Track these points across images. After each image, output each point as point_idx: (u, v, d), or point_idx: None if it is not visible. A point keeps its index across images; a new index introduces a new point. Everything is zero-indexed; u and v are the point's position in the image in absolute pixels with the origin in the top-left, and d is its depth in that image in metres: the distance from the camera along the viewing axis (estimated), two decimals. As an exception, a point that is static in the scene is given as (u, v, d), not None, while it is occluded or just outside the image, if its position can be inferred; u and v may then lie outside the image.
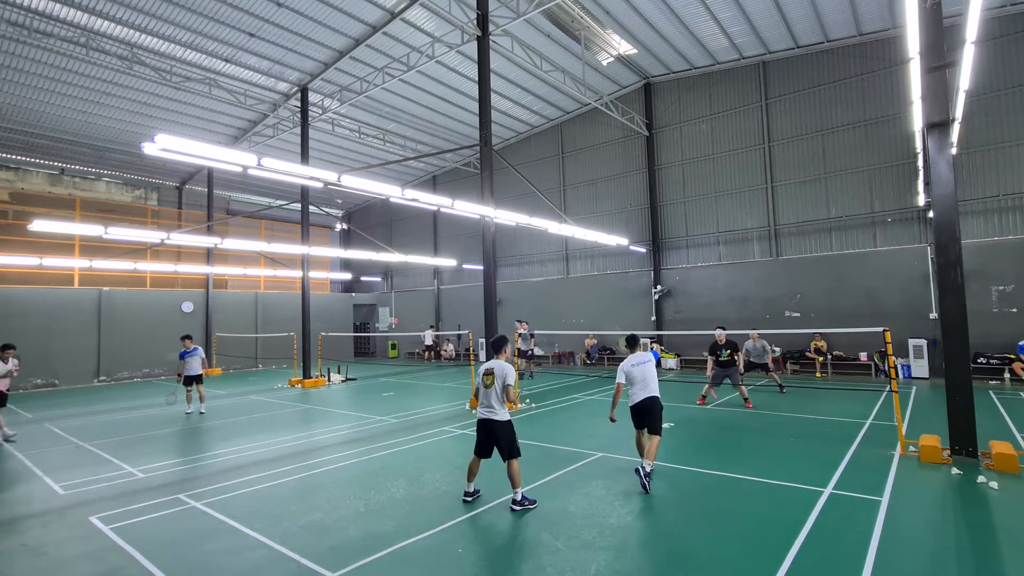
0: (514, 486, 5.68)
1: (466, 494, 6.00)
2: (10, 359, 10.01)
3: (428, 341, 25.38)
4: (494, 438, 5.81)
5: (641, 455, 6.51)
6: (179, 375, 12.66)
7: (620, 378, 6.59)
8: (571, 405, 12.21)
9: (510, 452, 5.72)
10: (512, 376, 5.88)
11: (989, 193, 14.45)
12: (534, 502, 5.73)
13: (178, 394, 12.78)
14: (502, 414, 5.80)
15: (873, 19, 15.20)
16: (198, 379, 12.64)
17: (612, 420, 6.72)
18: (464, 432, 9.61)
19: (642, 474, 6.08)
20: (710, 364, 11.34)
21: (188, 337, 12.99)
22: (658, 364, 6.42)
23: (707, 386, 11.54)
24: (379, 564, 4.53)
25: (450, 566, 4.47)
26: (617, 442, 8.30)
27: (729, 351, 11.02)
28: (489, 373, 5.90)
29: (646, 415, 6.48)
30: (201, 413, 12.52)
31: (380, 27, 15.14)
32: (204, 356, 12.95)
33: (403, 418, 11.09)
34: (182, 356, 12.65)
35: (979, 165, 14.60)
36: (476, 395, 6.10)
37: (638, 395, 6.50)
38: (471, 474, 6.02)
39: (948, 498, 5.73)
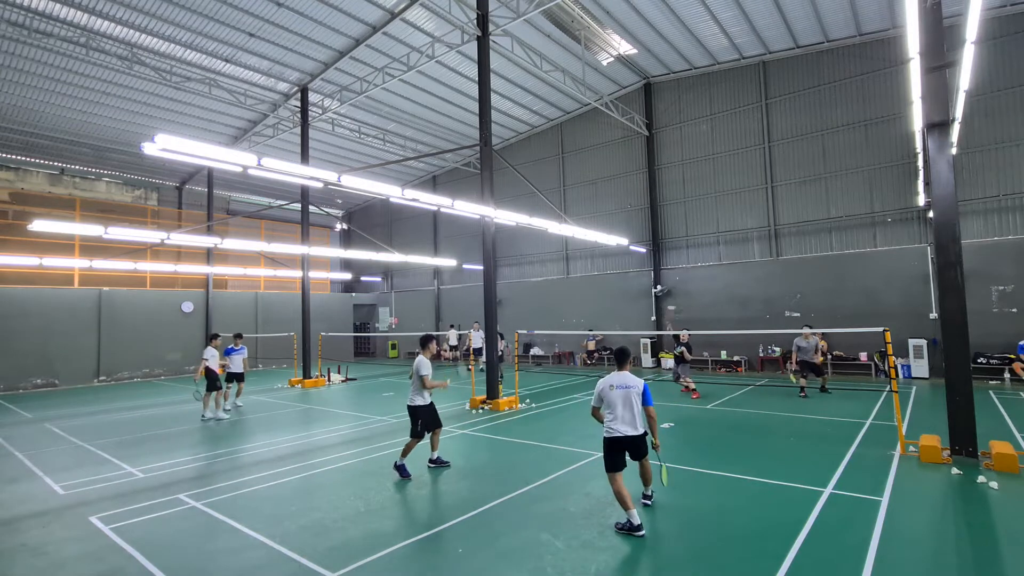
0: (402, 454, 7.12)
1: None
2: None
3: (453, 341, 24.84)
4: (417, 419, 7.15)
5: (627, 506, 4.96)
6: (222, 369, 12.90)
7: (596, 401, 5.36)
8: (571, 405, 12.21)
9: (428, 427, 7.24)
10: (427, 368, 7.06)
11: (989, 193, 14.45)
12: (408, 476, 6.90)
13: (231, 390, 13.18)
14: (418, 401, 7.15)
15: (873, 19, 15.20)
16: (239, 377, 13.11)
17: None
18: (464, 432, 9.61)
19: (648, 498, 5.70)
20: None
21: (239, 336, 13.54)
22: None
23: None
24: (379, 564, 4.53)
25: (450, 566, 4.47)
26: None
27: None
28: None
29: (633, 450, 5.25)
30: (238, 406, 13.08)
31: (380, 27, 15.14)
32: (246, 356, 13.47)
33: (403, 418, 11.07)
34: (227, 352, 12.97)
35: (979, 165, 14.59)
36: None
37: (621, 428, 5.15)
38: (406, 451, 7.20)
39: (948, 498, 5.74)
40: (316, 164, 22.04)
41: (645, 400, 5.33)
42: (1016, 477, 6.22)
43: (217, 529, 5.41)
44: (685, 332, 13.40)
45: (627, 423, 5.17)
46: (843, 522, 5.08)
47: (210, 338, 12.44)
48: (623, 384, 5.28)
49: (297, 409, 12.95)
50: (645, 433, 5.30)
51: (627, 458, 5.23)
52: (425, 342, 7.38)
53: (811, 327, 12.94)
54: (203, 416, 11.80)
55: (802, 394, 12.29)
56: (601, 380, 5.39)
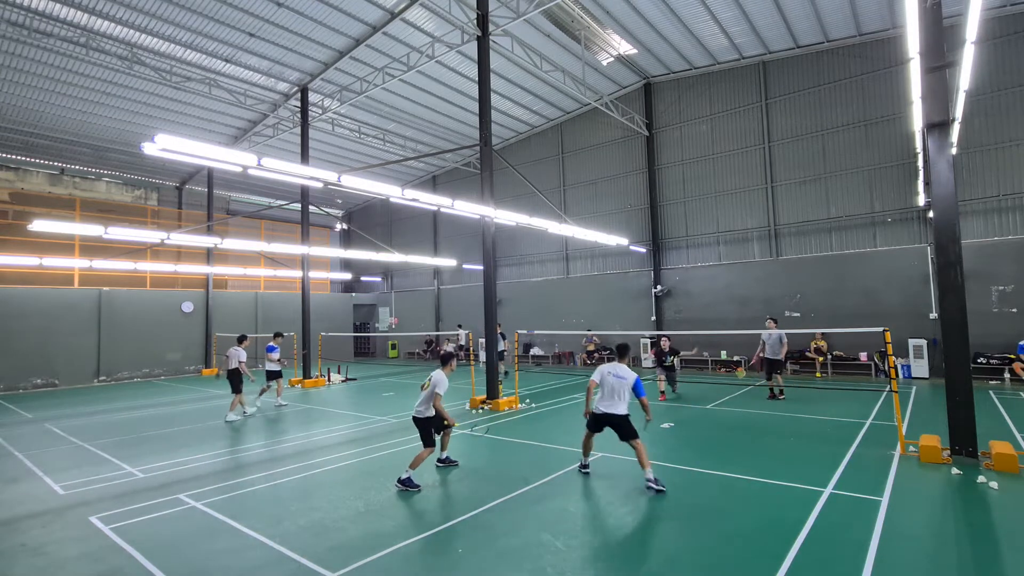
0: (410, 465, 6.62)
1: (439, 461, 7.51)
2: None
3: (463, 341, 24.94)
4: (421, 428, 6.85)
5: (586, 455, 6.84)
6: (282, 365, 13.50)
7: (596, 377, 6.53)
8: (571, 405, 12.21)
9: (423, 441, 6.82)
10: (443, 387, 6.73)
11: (989, 193, 14.45)
12: (418, 487, 6.44)
13: (272, 385, 13.65)
14: (427, 413, 6.79)
15: (873, 19, 15.20)
16: (276, 375, 13.44)
17: (586, 416, 6.68)
18: (464, 432, 9.60)
19: (652, 483, 6.05)
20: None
21: (278, 335, 13.93)
22: (641, 398, 6.35)
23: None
24: (379, 564, 4.53)
25: (450, 566, 4.47)
26: (617, 442, 8.29)
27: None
28: (429, 379, 6.83)
29: (608, 426, 6.45)
30: (282, 404, 13.32)
31: (380, 27, 15.14)
32: (279, 357, 13.62)
33: (403, 418, 11.09)
34: (268, 350, 13.46)
35: (979, 165, 14.59)
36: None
37: (602, 406, 6.42)
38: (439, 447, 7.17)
39: (948, 498, 5.74)
40: (316, 164, 22.05)
41: (638, 392, 6.36)
42: (1016, 477, 6.22)
43: (217, 529, 5.41)
44: (665, 339, 12.79)
45: (609, 405, 6.37)
46: (843, 522, 5.08)
47: (239, 339, 12.24)
48: (618, 375, 6.41)
49: (297, 409, 12.95)
50: (626, 416, 6.33)
51: (617, 436, 6.44)
52: (447, 360, 7.10)
53: (775, 320, 12.63)
54: (245, 412, 11.92)
55: (772, 396, 11.99)
56: (603, 365, 6.59)
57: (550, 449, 8.21)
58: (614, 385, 6.37)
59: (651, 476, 6.09)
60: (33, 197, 20.94)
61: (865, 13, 14.92)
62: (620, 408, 6.34)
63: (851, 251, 16.43)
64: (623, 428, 6.35)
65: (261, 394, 13.67)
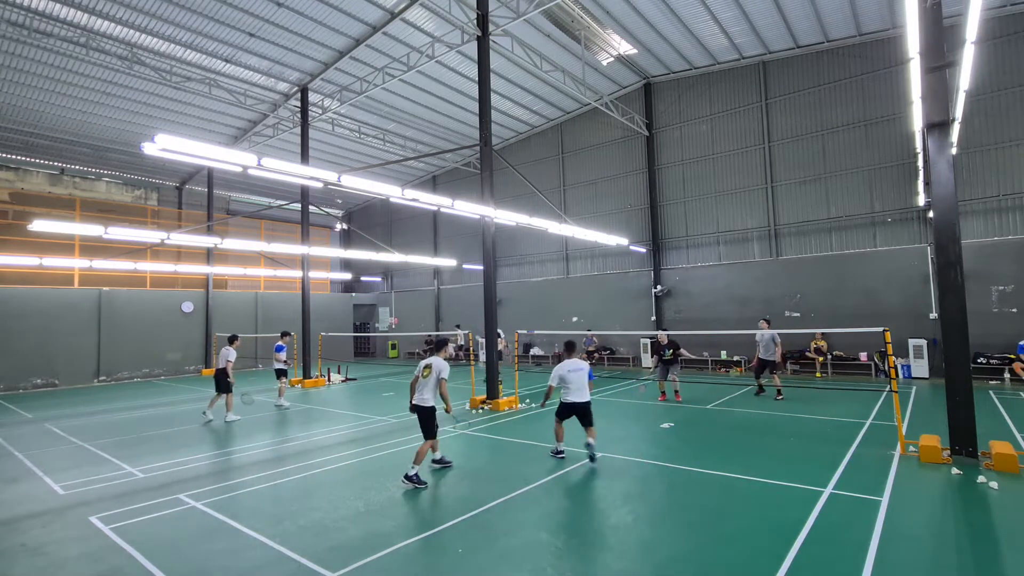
0: (414, 461, 6.65)
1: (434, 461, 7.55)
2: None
3: (461, 340, 25.23)
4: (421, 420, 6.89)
5: (559, 440, 7.71)
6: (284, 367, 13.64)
7: (553, 381, 7.46)
8: (571, 405, 12.18)
9: (424, 433, 6.88)
10: (447, 371, 6.89)
11: (989, 193, 14.45)
12: (424, 484, 6.50)
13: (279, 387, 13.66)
14: (431, 401, 6.85)
15: (873, 19, 15.19)
16: (283, 373, 13.53)
17: (543, 406, 8.37)
18: (463, 432, 9.60)
19: (590, 450, 7.28)
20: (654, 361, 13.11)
21: (285, 334, 14.02)
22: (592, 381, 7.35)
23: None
24: (379, 564, 4.53)
25: (450, 566, 4.47)
26: (617, 442, 8.31)
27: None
28: (428, 367, 6.90)
29: (575, 413, 7.45)
30: (278, 407, 13.10)
31: (380, 27, 15.14)
32: (286, 357, 13.66)
33: (403, 418, 11.09)
34: (277, 349, 13.58)
35: (979, 165, 14.59)
36: (413, 385, 7.02)
37: (571, 396, 7.43)
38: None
39: (948, 498, 5.73)
40: (316, 164, 22.05)
41: (589, 377, 7.50)
42: (1016, 477, 6.22)
43: (217, 529, 5.41)
44: (664, 333, 12.45)
45: (577, 395, 7.39)
46: (843, 522, 5.08)
47: (230, 339, 11.92)
48: (576, 368, 7.47)
49: (297, 409, 12.94)
50: (589, 402, 7.41)
51: (578, 422, 7.51)
52: (441, 345, 7.28)
53: (767, 321, 12.61)
54: (225, 419, 11.43)
55: (760, 391, 12.47)
56: (559, 366, 7.51)
57: (550, 448, 8.19)
58: (576, 379, 7.40)
59: (591, 441, 7.30)
60: (33, 197, 20.94)
61: (865, 13, 14.92)
62: (586, 396, 7.42)
63: (851, 251, 16.43)
64: (587, 415, 7.40)
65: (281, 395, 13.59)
